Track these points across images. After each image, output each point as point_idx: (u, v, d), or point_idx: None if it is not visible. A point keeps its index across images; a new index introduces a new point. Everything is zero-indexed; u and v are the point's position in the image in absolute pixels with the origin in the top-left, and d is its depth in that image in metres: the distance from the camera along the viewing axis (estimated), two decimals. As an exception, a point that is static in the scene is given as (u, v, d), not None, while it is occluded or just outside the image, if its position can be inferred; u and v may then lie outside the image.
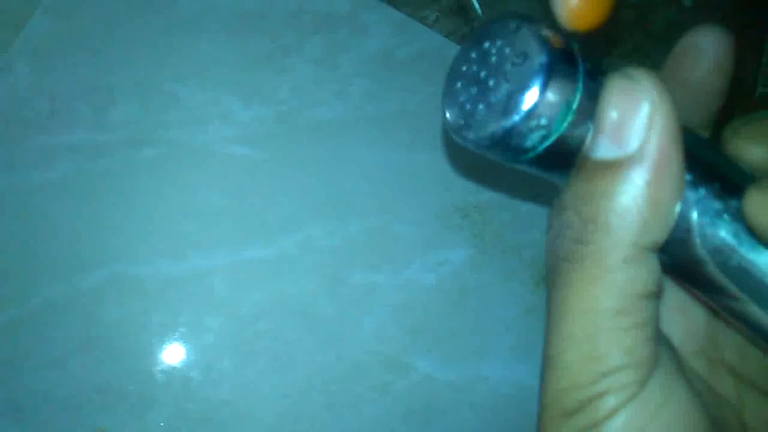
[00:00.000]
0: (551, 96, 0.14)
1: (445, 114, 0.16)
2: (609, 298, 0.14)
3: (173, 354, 0.36)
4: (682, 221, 0.15)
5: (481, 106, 0.15)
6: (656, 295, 0.15)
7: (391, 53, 0.41)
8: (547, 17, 0.15)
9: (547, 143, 0.15)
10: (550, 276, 0.15)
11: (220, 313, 0.36)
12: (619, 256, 0.14)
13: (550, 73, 0.14)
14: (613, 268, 0.14)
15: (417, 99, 0.41)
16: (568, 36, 0.15)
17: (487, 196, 0.40)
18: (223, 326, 0.36)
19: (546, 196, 0.41)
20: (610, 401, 0.14)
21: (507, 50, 0.15)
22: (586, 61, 0.15)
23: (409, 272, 0.39)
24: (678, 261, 0.16)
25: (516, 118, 0.15)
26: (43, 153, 0.36)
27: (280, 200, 0.38)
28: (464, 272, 0.39)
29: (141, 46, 0.38)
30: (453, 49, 0.42)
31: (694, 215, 0.15)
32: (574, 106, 0.15)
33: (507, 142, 0.15)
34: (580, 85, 0.15)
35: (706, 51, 0.16)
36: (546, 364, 0.15)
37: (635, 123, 0.14)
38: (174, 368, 0.36)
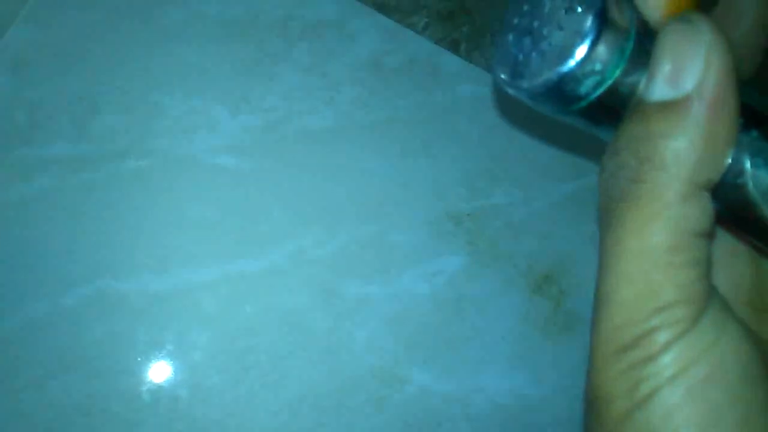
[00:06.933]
0: (606, 41, 0.15)
1: (496, 67, 0.17)
2: (664, 234, 0.14)
3: (160, 372, 0.35)
4: (735, 164, 0.15)
5: (534, 55, 0.15)
6: (709, 235, 0.15)
7: (380, 60, 0.41)
8: None
9: (601, 90, 0.15)
10: (603, 219, 0.15)
11: (208, 328, 0.35)
12: (675, 192, 0.14)
13: (605, 19, 0.15)
14: (669, 204, 0.14)
15: (407, 106, 0.40)
16: None
17: (480, 203, 0.40)
18: (211, 342, 0.35)
19: (540, 201, 0.40)
20: (664, 335, 0.14)
21: None
22: (637, 8, 0.16)
23: (402, 282, 0.38)
24: (730, 205, 0.16)
25: (571, 63, 0.15)
26: (23, 166, 0.35)
27: (269, 211, 0.37)
28: (459, 281, 0.38)
29: (124, 54, 0.37)
30: (443, 56, 0.41)
31: (746, 157, 0.15)
32: (628, 51, 0.15)
33: (561, 89, 0.15)
34: (633, 30, 0.15)
35: (747, 9, 0.17)
36: (599, 303, 0.15)
37: (693, 63, 0.14)
38: (161, 387, 0.34)
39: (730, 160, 0.15)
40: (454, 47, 0.42)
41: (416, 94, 0.41)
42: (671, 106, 0.14)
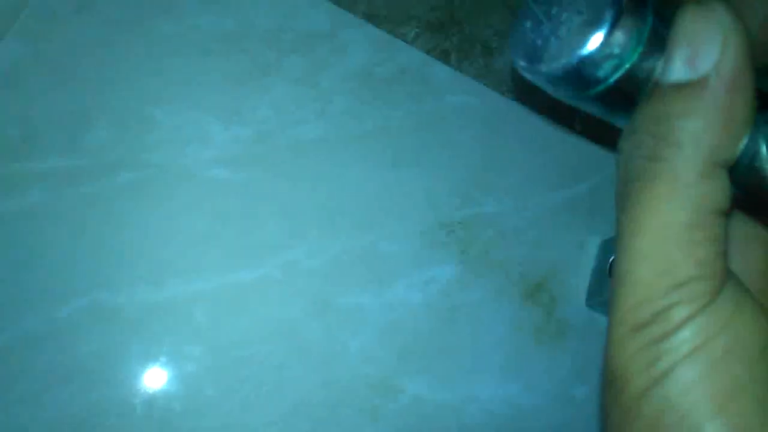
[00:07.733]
0: (624, 25, 0.15)
1: (514, 54, 0.17)
2: (682, 211, 0.14)
3: (154, 384, 0.35)
4: (751, 147, 0.16)
5: (553, 40, 0.16)
6: (726, 213, 0.15)
7: (371, 70, 0.41)
8: None
9: (619, 74, 0.15)
10: (621, 200, 0.16)
11: (202, 340, 0.35)
12: (693, 171, 0.14)
13: (623, 3, 0.15)
14: (686, 182, 0.14)
15: (398, 116, 0.41)
16: None
17: (472, 211, 0.40)
18: (205, 354, 0.35)
19: (532, 209, 0.41)
20: (682, 311, 0.14)
21: None
22: None
23: (395, 292, 0.38)
24: (748, 188, 0.16)
25: (590, 46, 0.15)
26: (16, 180, 0.35)
27: (261, 222, 0.37)
28: (451, 290, 0.39)
29: (117, 67, 0.37)
30: (433, 65, 0.42)
31: (762, 140, 0.16)
32: (645, 35, 0.15)
33: (580, 72, 0.15)
34: (650, 15, 0.15)
35: (755, 7, 0.17)
36: (617, 282, 0.15)
37: (710, 45, 0.14)
38: (155, 399, 0.34)
39: (746, 142, 0.15)
40: (444, 57, 0.42)
41: (407, 103, 0.41)
42: (688, 87, 0.15)
